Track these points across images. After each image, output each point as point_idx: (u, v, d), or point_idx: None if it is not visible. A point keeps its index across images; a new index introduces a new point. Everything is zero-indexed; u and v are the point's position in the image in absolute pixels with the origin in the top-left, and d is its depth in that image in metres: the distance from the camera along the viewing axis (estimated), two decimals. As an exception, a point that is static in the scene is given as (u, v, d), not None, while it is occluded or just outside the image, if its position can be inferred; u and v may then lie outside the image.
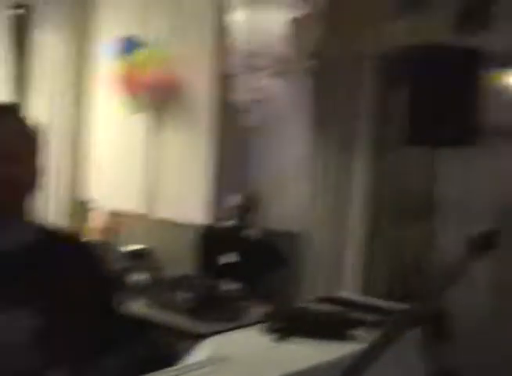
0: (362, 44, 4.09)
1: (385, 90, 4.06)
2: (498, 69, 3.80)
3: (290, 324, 2.22)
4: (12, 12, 5.57)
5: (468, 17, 3.62)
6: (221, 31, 4.74)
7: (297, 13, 4.27)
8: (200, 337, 2.45)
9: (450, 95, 3.48)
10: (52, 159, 5.36)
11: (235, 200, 4.44)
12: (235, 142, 4.87)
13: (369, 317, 2.37)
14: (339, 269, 4.29)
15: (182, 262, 4.54)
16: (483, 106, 3.63)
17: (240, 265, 4.28)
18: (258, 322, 2.29)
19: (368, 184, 4.18)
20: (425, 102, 3.53)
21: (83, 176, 5.67)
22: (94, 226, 4.96)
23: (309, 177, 4.45)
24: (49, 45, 5.56)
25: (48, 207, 5.46)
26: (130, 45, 4.99)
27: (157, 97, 5.00)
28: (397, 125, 3.99)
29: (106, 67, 5.18)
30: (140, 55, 4.96)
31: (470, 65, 3.50)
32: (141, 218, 5.17)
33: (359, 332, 2.21)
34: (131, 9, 5.26)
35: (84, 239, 3.09)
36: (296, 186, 4.61)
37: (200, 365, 1.80)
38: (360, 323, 2.28)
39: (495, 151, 3.76)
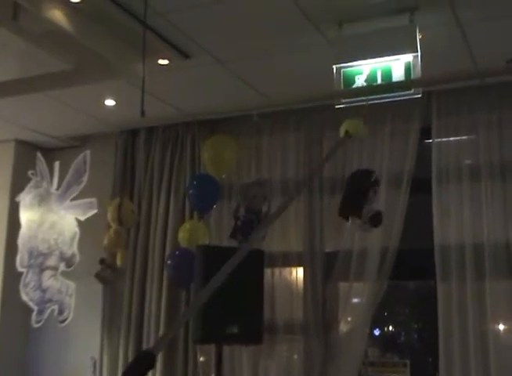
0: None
1: (175, 289, 4.15)
2: (278, 267, 4.07)
3: None
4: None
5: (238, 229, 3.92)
6: (13, 229, 4.66)
7: (87, 216, 4.37)
8: None
9: (238, 293, 3.61)
10: None
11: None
12: (17, 344, 4.63)
13: None
14: None
15: None
16: (268, 302, 3.83)
17: None
18: None
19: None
20: (214, 300, 3.63)
21: None
22: None
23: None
24: None
25: None
26: None
27: None
28: (187, 324, 4.06)
29: None
30: None
31: (255, 265, 3.68)
32: None
33: None
34: None
35: None
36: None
37: None
38: None
39: (277, 348, 3.93)
